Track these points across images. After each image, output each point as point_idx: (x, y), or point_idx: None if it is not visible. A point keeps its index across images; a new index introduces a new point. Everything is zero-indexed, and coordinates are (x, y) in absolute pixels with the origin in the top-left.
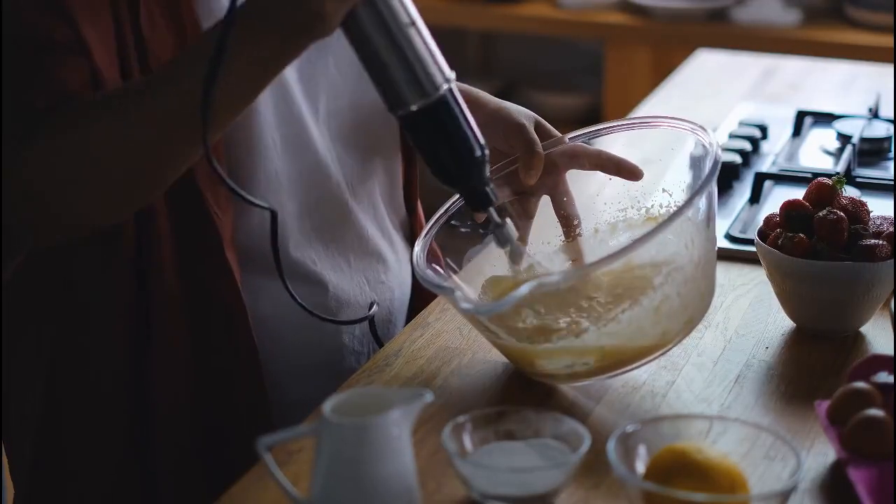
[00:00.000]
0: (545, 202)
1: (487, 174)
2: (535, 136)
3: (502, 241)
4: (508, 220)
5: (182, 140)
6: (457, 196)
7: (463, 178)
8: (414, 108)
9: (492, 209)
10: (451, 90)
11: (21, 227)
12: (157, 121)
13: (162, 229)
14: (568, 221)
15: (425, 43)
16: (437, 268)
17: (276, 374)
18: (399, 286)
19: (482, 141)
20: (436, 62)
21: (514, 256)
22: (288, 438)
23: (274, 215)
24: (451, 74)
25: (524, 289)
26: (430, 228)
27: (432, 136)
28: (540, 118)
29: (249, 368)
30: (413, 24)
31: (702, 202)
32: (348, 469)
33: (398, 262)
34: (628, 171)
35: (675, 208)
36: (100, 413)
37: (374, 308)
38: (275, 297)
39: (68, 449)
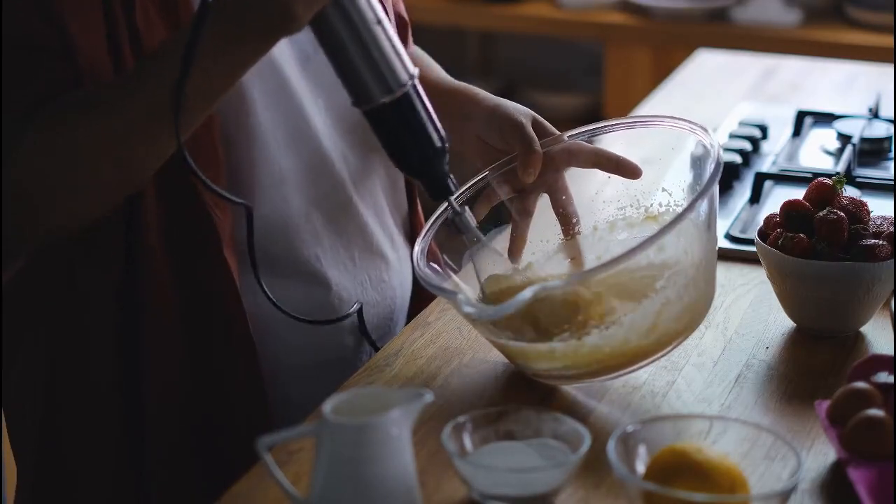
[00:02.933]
0: (544, 201)
1: (446, 165)
2: (533, 134)
3: (462, 228)
4: (467, 209)
5: (159, 135)
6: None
7: (424, 170)
8: (379, 103)
9: (451, 198)
10: (414, 86)
11: (9, 228)
12: (134, 118)
13: (158, 230)
14: (567, 219)
15: (390, 41)
16: (436, 266)
17: (275, 373)
18: (400, 285)
19: (443, 133)
20: (400, 59)
21: (473, 243)
22: (288, 438)
23: (249, 211)
24: (415, 71)
25: (527, 293)
26: (430, 228)
27: (396, 129)
28: (537, 116)
29: (247, 368)
30: (379, 22)
31: (703, 205)
32: (348, 469)
33: (399, 261)
34: (627, 170)
35: (674, 208)
36: (99, 415)
37: (356, 306)
38: (274, 296)
39: (68, 451)
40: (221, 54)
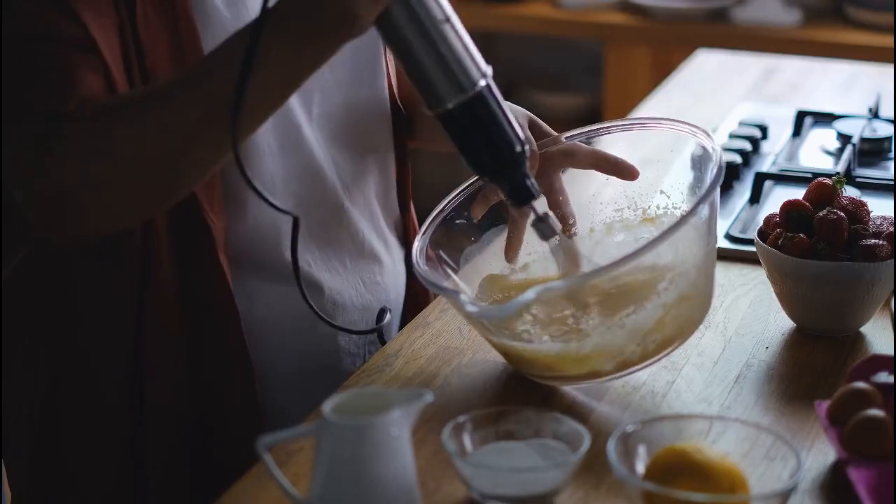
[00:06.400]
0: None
1: (527, 168)
2: (530, 135)
3: (545, 234)
4: (550, 213)
5: (210, 142)
6: (452, 195)
7: (501, 173)
8: (450, 105)
9: (534, 203)
10: (488, 86)
11: (45, 228)
12: (186, 122)
13: (160, 233)
14: (563, 220)
15: (461, 39)
16: (434, 265)
17: (271, 377)
18: (394, 287)
19: (521, 135)
20: (472, 57)
21: (559, 249)
22: (288, 438)
23: (296, 222)
24: (488, 69)
25: (530, 294)
26: (428, 227)
27: (470, 131)
28: (534, 117)
29: (240, 372)
30: (448, 20)
31: (705, 208)
32: (348, 469)
33: (393, 263)
34: (625, 171)
35: (672, 210)
36: (97, 417)
37: (388, 317)
38: (270, 301)
39: (66, 452)
40: (281, 59)
